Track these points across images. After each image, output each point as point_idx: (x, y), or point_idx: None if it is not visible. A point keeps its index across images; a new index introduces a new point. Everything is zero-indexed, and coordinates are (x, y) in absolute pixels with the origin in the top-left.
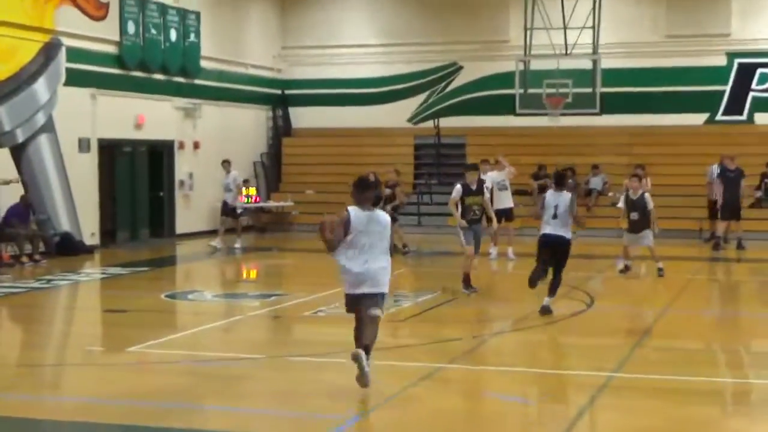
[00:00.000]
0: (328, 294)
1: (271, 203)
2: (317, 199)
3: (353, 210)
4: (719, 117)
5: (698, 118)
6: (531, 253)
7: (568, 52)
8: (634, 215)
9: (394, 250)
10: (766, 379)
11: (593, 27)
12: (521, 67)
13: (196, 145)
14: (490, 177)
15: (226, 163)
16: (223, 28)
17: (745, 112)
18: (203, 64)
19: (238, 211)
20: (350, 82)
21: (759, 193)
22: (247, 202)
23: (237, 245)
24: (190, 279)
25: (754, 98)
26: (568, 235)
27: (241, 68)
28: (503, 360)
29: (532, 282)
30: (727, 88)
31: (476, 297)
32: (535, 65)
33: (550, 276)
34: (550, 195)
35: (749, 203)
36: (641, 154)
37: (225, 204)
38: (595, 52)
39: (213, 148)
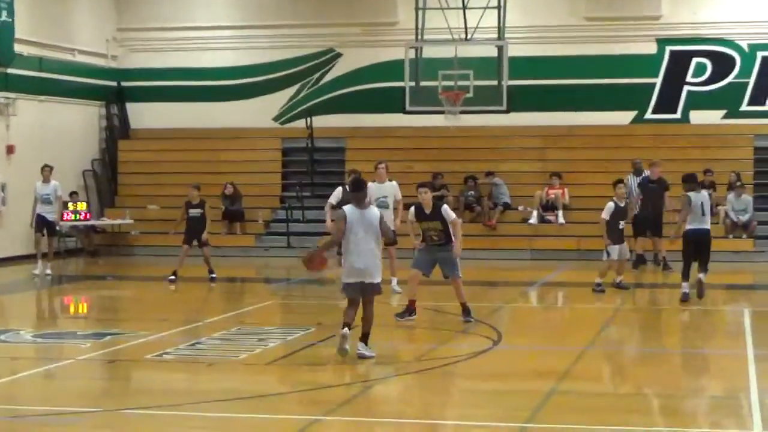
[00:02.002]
0: (175, 332)
1: (105, 221)
2: (162, 215)
3: (348, 208)
4: (649, 115)
5: (624, 117)
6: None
7: (469, 37)
8: (623, 224)
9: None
10: (705, 428)
11: (498, 7)
12: (412, 54)
13: (9, 150)
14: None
15: (47, 169)
16: (44, 5)
17: (679, 109)
18: (18, 49)
19: (58, 228)
20: (202, 72)
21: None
22: (75, 220)
23: (48, 271)
24: (3, 315)
25: (690, 93)
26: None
27: (66, 54)
28: (392, 410)
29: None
30: (658, 81)
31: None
32: (429, 53)
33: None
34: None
35: None
36: (557, 160)
37: (43, 219)
38: (500, 37)
39: (31, 153)
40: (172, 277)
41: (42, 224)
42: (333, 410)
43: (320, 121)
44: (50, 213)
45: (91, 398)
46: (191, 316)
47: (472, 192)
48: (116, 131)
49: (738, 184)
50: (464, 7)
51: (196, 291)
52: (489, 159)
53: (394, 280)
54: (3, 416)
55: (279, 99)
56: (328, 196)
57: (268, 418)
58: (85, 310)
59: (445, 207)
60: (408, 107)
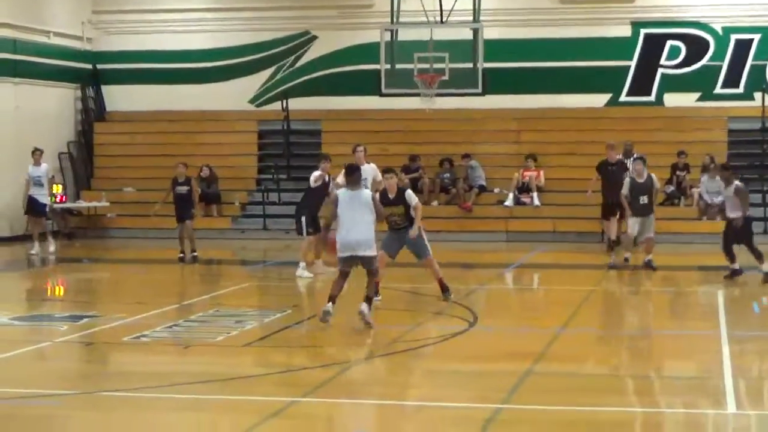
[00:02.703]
0: (152, 315)
1: (81, 203)
2: (138, 197)
3: (341, 191)
4: (623, 98)
5: (599, 99)
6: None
7: (444, 19)
8: (644, 199)
9: None
10: (680, 408)
11: None
12: (387, 37)
13: None
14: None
15: (37, 152)
16: None
17: (654, 92)
18: None
19: (47, 210)
20: (178, 54)
21: (670, 188)
22: (52, 202)
23: (34, 251)
24: None
25: (664, 76)
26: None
27: (41, 37)
28: (369, 391)
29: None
30: (633, 64)
31: (335, 317)
32: (405, 35)
33: None
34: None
35: (658, 200)
36: (532, 142)
37: (35, 201)
38: (476, 19)
39: (6, 136)
40: (181, 254)
41: (34, 206)
42: (310, 392)
43: (296, 104)
44: (41, 195)
45: (69, 380)
46: (168, 299)
47: (448, 174)
48: (92, 114)
49: (712, 166)
50: None
51: (173, 273)
52: (464, 141)
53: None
54: None
55: (255, 81)
56: (304, 179)
57: (245, 399)
58: (62, 293)
59: (409, 192)
60: (384, 90)
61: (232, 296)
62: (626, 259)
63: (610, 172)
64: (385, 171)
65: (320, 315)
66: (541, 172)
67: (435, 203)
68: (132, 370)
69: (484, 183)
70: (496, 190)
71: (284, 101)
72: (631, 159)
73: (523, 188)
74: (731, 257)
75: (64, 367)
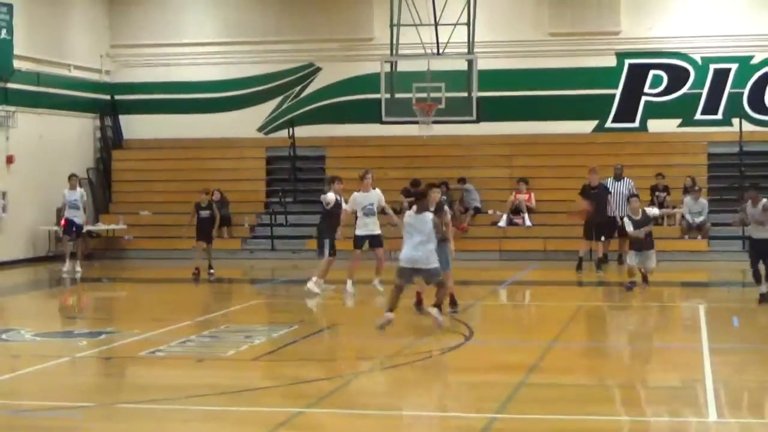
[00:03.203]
0: (167, 331)
1: (100, 226)
2: (153, 221)
3: (409, 213)
4: (609, 124)
5: (586, 126)
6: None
7: (440, 51)
8: (644, 231)
9: None
10: (665, 416)
11: (468, 23)
12: (387, 68)
13: (9, 160)
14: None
15: (74, 178)
16: (41, 23)
17: (638, 118)
18: (17, 64)
19: (84, 231)
20: (191, 85)
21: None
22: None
23: (78, 269)
24: (4, 315)
25: (647, 103)
26: None
27: (62, 70)
28: (371, 402)
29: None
30: (618, 92)
31: (340, 331)
32: (403, 66)
33: None
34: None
35: None
36: (523, 167)
37: (72, 223)
38: (470, 51)
39: (30, 163)
40: (195, 271)
41: (71, 227)
42: (315, 403)
43: (302, 131)
44: (78, 217)
45: (87, 393)
46: (182, 316)
47: (444, 197)
48: (110, 142)
49: (696, 188)
50: (436, 24)
51: (187, 292)
52: (460, 166)
53: (376, 280)
54: (4, 411)
55: (263, 110)
56: (310, 202)
57: (254, 410)
58: (82, 311)
59: (446, 207)
60: (384, 118)
61: (242, 313)
62: (633, 283)
63: (592, 195)
64: (433, 186)
65: (379, 323)
66: (532, 195)
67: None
68: (147, 383)
69: (479, 205)
70: (490, 212)
71: (291, 129)
72: (615, 180)
73: (516, 210)
74: (758, 278)
75: (83, 381)
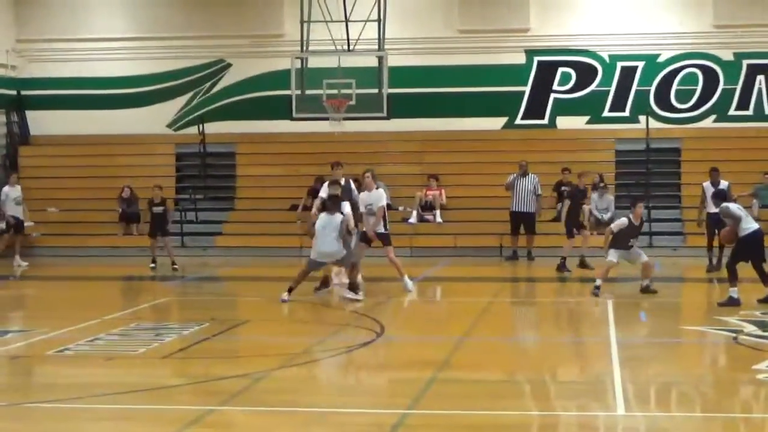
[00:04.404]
0: (76, 329)
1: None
2: (62, 218)
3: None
4: (519, 121)
5: (496, 122)
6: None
7: (351, 48)
8: (633, 241)
9: None
10: (573, 410)
11: (378, 20)
12: (298, 65)
13: None
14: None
15: (15, 175)
16: None
17: (547, 115)
18: None
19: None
20: (99, 81)
21: (560, 205)
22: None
23: (23, 263)
24: None
25: (556, 100)
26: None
27: None
28: (283, 399)
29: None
30: (527, 89)
31: (251, 328)
32: (314, 63)
33: None
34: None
35: (552, 216)
36: (434, 163)
37: (15, 219)
38: (380, 48)
39: None
40: (153, 265)
41: (12, 223)
42: (227, 400)
43: (212, 128)
44: (20, 213)
45: None
46: (90, 314)
47: (356, 193)
48: (16, 138)
49: (601, 185)
50: (347, 20)
51: (96, 289)
52: (371, 162)
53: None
54: None
55: (173, 107)
56: (220, 198)
57: (165, 408)
58: None
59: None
60: (295, 114)
61: (152, 311)
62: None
63: (579, 198)
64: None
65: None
66: (443, 191)
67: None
68: (56, 382)
69: (389, 201)
70: (400, 208)
71: (201, 125)
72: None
73: (426, 206)
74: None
75: None
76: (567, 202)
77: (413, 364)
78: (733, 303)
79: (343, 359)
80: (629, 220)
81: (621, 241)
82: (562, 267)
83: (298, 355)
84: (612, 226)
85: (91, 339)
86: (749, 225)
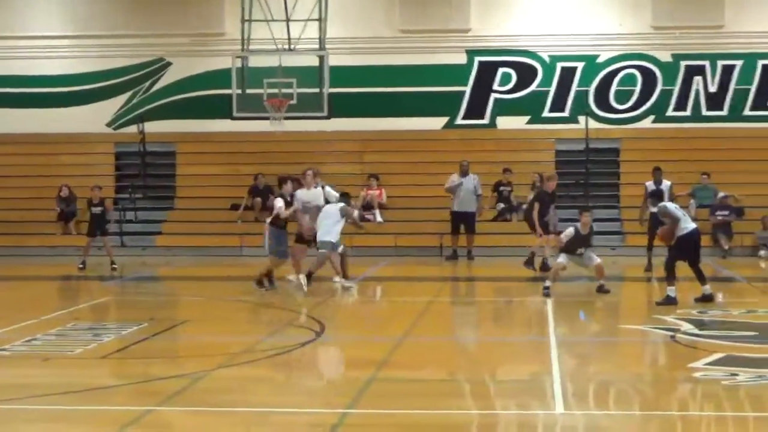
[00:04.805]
0: (12, 329)
1: None
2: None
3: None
4: (459, 121)
5: (437, 122)
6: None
7: (292, 47)
8: (581, 250)
9: None
10: (513, 409)
11: (319, 19)
12: (238, 64)
13: None
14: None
15: None
16: None
17: (487, 115)
18: None
19: None
20: (36, 79)
21: (501, 205)
22: None
23: None
24: None
25: (497, 100)
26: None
27: None
28: (222, 399)
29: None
30: (468, 89)
31: (190, 328)
32: (255, 62)
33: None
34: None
35: (492, 216)
36: (374, 162)
37: None
38: (321, 47)
39: None
40: (81, 266)
41: None
42: (165, 401)
43: (152, 127)
44: None
45: None
46: (26, 314)
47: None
48: None
49: (538, 185)
50: (288, 20)
51: (33, 289)
52: (311, 162)
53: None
54: None
55: (112, 105)
56: (159, 198)
57: (102, 409)
58: None
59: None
60: (235, 113)
61: (90, 311)
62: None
63: (547, 201)
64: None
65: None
66: (383, 191)
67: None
68: None
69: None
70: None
71: (140, 124)
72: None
73: (367, 206)
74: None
75: None
76: (536, 205)
77: (353, 364)
78: (670, 302)
79: (282, 359)
80: (576, 229)
81: (569, 249)
82: (529, 263)
83: (238, 354)
84: (561, 236)
85: (28, 339)
86: (687, 225)
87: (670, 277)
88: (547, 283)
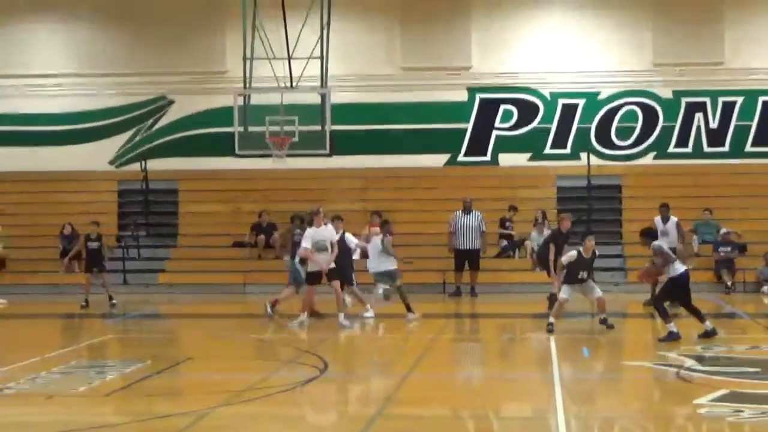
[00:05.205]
0: (15, 368)
1: None
2: (5, 255)
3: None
4: (461, 158)
5: (439, 159)
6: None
7: (294, 85)
8: (583, 274)
9: None
10: None
11: (321, 57)
12: (240, 101)
13: None
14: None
15: None
16: None
17: (489, 152)
18: None
19: None
20: (40, 117)
21: (504, 243)
22: None
23: None
24: None
25: (498, 137)
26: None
27: None
28: None
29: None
30: (469, 126)
31: (193, 366)
32: (257, 100)
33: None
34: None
35: (495, 252)
36: (377, 200)
37: None
38: (323, 85)
39: None
40: (84, 303)
41: None
42: None
43: (154, 164)
44: None
45: None
46: (30, 352)
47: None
48: None
49: (539, 221)
50: (289, 57)
51: (36, 327)
52: (314, 199)
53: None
54: None
55: (115, 143)
56: (162, 236)
57: None
58: None
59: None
60: (238, 151)
61: (93, 348)
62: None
63: (561, 241)
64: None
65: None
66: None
67: (286, 258)
68: None
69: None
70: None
71: (143, 162)
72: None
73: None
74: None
75: None
76: (552, 247)
77: (357, 401)
78: (673, 338)
79: (286, 396)
80: (579, 252)
81: (571, 274)
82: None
83: (242, 392)
84: (562, 259)
85: (32, 377)
86: (680, 266)
87: (664, 315)
88: (551, 320)
